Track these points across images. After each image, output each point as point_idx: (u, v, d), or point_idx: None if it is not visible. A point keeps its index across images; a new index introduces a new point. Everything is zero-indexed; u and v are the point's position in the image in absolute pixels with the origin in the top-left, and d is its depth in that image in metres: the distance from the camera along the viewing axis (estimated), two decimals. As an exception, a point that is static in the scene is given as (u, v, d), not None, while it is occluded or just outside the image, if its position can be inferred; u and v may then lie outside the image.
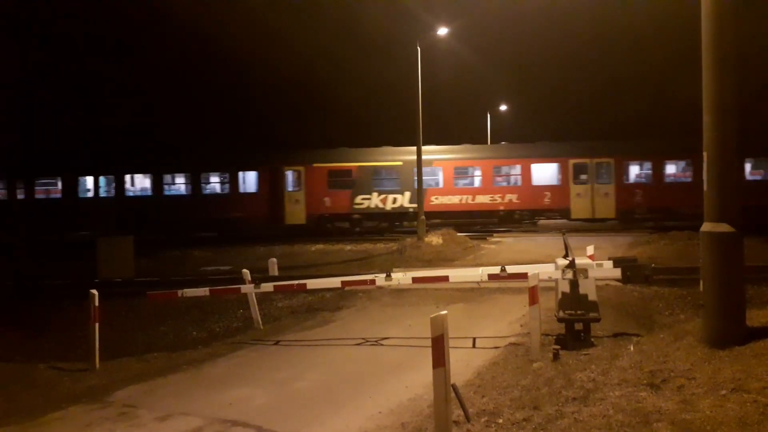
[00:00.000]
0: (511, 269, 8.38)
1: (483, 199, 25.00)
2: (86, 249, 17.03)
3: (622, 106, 53.24)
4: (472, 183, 25.78)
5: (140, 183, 27.24)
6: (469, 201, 25.11)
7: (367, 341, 8.39)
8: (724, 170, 5.61)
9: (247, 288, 9.08)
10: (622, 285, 10.70)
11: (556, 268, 7.26)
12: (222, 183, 26.37)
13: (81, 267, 16.23)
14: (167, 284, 11.84)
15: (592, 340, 7.05)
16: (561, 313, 7.07)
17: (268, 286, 9.05)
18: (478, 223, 25.42)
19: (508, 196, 24.99)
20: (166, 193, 26.41)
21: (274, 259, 13.76)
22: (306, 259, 18.36)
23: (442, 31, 22.53)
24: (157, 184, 26.38)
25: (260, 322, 9.73)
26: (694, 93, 6.03)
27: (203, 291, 9.18)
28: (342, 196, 25.39)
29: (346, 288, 11.30)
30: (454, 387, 5.03)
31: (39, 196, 27.05)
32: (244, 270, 9.50)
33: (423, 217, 21.13)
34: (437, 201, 25.11)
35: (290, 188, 25.66)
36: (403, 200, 25.09)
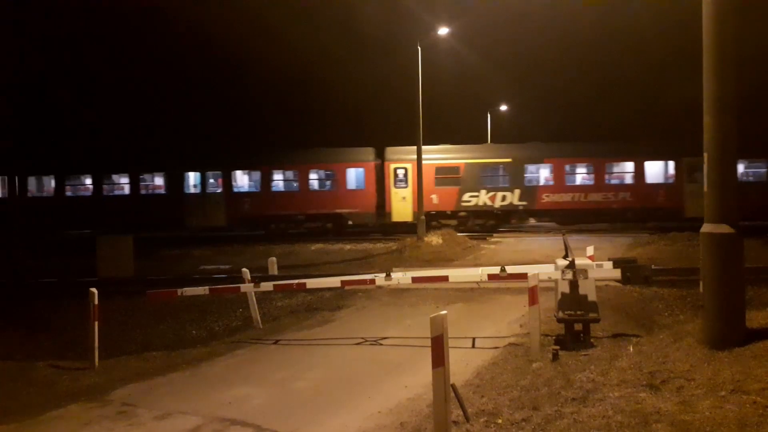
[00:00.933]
0: (510, 269, 8.37)
1: (595, 197, 24.61)
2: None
3: (622, 107, 53.30)
4: (583, 181, 25.24)
5: (243, 179, 26.84)
6: (581, 199, 24.74)
7: (367, 341, 8.39)
8: (724, 171, 5.61)
9: (247, 287, 9.07)
10: (622, 286, 10.70)
11: (556, 268, 7.25)
12: (329, 179, 26.06)
13: (81, 265, 16.22)
14: (167, 283, 11.84)
15: (592, 340, 7.05)
16: (560, 314, 7.07)
17: (267, 286, 9.05)
18: (590, 222, 24.75)
19: (621, 194, 24.70)
20: (274, 189, 26.01)
21: (274, 258, 13.77)
22: (305, 259, 18.36)
23: (443, 30, 22.56)
24: (265, 180, 26.02)
25: (260, 321, 9.73)
26: (694, 94, 6.03)
27: (203, 290, 9.16)
28: (449, 193, 25.08)
29: (346, 287, 11.30)
30: (453, 387, 5.03)
31: (70, 194, 26.82)
32: (244, 269, 9.50)
33: (423, 216, 21.15)
34: (548, 199, 24.74)
35: (397, 185, 25.42)
36: (513, 198, 24.77)
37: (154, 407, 6.10)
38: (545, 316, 8.18)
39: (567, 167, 25.21)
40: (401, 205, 25.09)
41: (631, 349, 6.25)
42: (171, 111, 51.78)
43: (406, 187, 25.15)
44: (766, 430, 3.84)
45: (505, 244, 20.82)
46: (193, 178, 26.27)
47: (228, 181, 26.10)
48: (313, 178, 25.99)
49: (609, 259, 8.10)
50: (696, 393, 4.55)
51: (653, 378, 5.03)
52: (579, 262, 7.18)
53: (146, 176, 26.66)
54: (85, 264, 16.08)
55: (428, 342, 4.53)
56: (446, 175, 25.13)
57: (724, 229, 5.50)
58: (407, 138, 23.55)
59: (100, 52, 56.28)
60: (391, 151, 25.79)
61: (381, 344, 8.23)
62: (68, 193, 26.66)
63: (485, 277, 8.45)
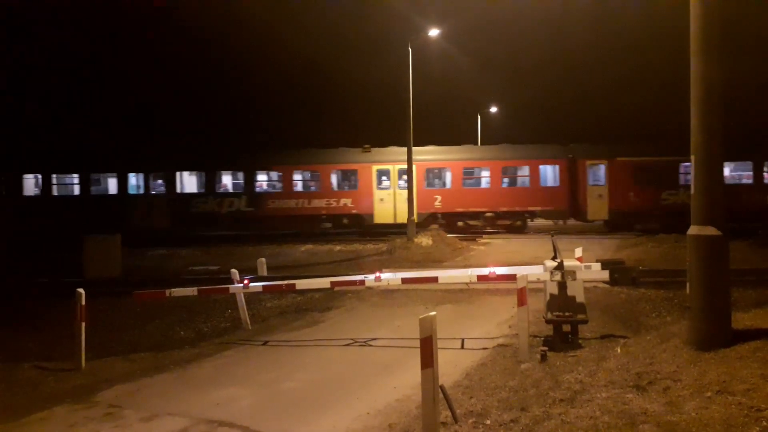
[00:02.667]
0: (499, 271, 8.41)
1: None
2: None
3: (613, 108, 53.71)
4: None
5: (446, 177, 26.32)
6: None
7: (356, 342, 8.38)
8: (710, 174, 5.66)
9: (236, 288, 9.03)
10: (610, 287, 10.81)
11: (545, 269, 7.29)
12: (522, 176, 25.64)
13: (68, 265, 16.08)
14: (155, 283, 11.75)
15: (580, 341, 7.08)
16: (549, 315, 7.10)
17: (256, 286, 9.01)
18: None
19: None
20: (465, 186, 25.58)
21: (263, 259, 13.71)
22: (295, 260, 18.31)
23: (434, 32, 22.59)
24: (456, 177, 25.58)
25: (248, 322, 9.69)
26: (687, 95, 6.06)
27: (191, 291, 9.11)
28: (648, 191, 24.23)
29: (336, 288, 11.29)
30: (442, 388, 5.04)
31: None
32: (233, 270, 9.46)
33: (413, 217, 21.17)
34: None
35: (592, 183, 24.95)
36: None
37: (141, 408, 6.06)
38: (534, 317, 8.22)
39: None
40: (597, 202, 24.63)
41: (619, 350, 6.28)
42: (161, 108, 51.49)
43: (602, 185, 24.62)
44: (752, 430, 3.87)
45: (495, 245, 20.87)
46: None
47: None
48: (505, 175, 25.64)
49: (597, 261, 8.15)
50: (682, 394, 4.58)
51: (640, 379, 5.06)
52: (567, 263, 7.21)
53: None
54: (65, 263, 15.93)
55: (417, 343, 4.53)
56: (646, 172, 24.14)
57: (711, 231, 5.55)
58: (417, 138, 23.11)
59: (60, 46, 55.55)
60: (589, 148, 25.39)
61: (370, 345, 8.22)
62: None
63: (474, 278, 8.50)
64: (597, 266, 7.70)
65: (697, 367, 5.04)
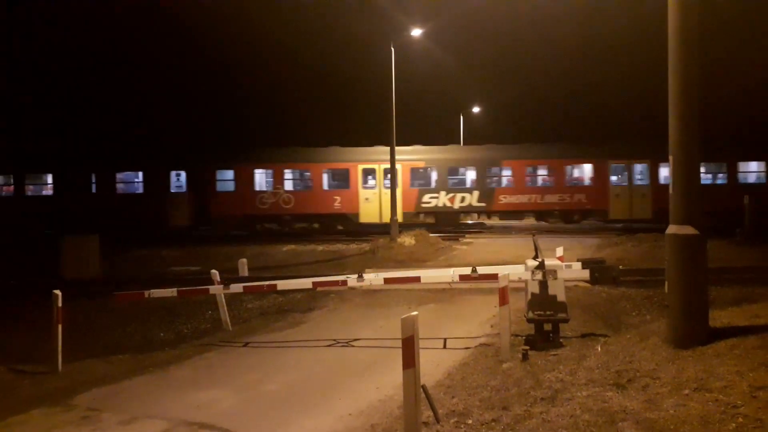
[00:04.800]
0: (481, 270, 8.43)
1: None
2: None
3: (595, 109, 54.30)
4: None
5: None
6: None
7: (338, 342, 8.35)
8: (688, 174, 5.73)
9: (216, 289, 8.95)
10: (591, 286, 10.88)
11: (526, 269, 7.32)
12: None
13: (51, 265, 15.79)
14: (134, 284, 11.60)
15: (561, 340, 7.13)
16: (530, 314, 7.14)
17: (237, 287, 8.93)
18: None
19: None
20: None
21: (244, 260, 13.61)
22: (277, 260, 18.19)
23: (416, 32, 22.61)
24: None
25: (229, 323, 9.60)
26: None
27: (171, 292, 8.99)
28: None
29: (318, 289, 11.23)
30: (423, 388, 5.04)
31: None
32: (213, 270, 9.36)
33: (395, 217, 21.17)
34: None
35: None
36: None
37: (119, 411, 5.97)
38: (516, 317, 8.25)
39: None
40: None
41: (599, 349, 6.34)
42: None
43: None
44: (728, 427, 3.93)
45: (477, 244, 20.95)
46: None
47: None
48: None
49: (578, 260, 8.21)
50: (661, 391, 4.63)
51: (620, 377, 5.11)
52: (548, 262, 7.25)
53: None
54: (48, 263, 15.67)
55: (400, 343, 4.53)
56: None
57: (689, 230, 5.62)
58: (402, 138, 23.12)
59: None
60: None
61: (353, 346, 8.20)
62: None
63: (457, 278, 8.49)
64: (577, 265, 7.75)
65: (675, 365, 5.10)
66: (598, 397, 4.75)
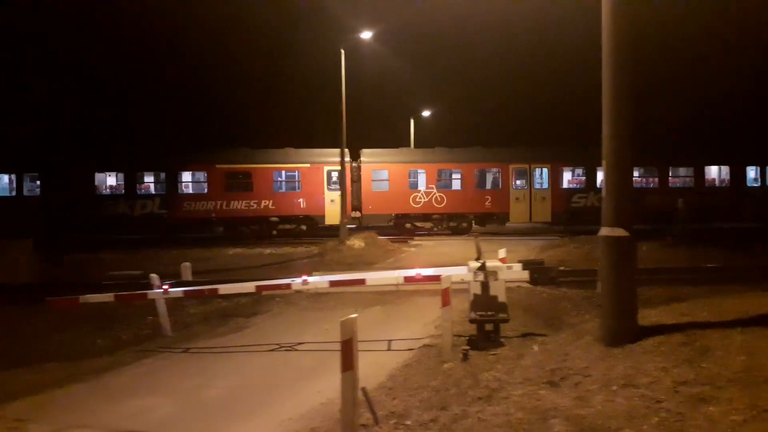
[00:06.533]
0: (426, 272, 8.54)
1: None
2: None
3: (542, 112, 55.74)
4: None
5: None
6: None
7: (282, 347, 8.27)
8: (620, 178, 5.94)
9: (155, 293, 8.72)
10: (534, 287, 11.16)
11: (469, 270, 7.45)
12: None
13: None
14: (71, 290, 11.16)
15: (502, 340, 7.28)
16: (473, 315, 7.26)
17: (177, 292, 8.73)
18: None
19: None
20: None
21: (188, 264, 13.31)
22: (223, 264, 17.88)
23: (366, 34, 22.69)
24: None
25: (170, 329, 9.35)
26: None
27: (108, 297, 8.71)
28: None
29: (264, 293, 11.08)
30: (363, 390, 5.05)
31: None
32: (152, 274, 9.12)
33: (345, 220, 21.15)
34: None
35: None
36: None
37: (49, 422, 5.73)
38: (460, 317, 8.38)
39: None
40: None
41: (536, 348, 6.50)
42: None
43: None
44: (651, 421, 4.09)
45: (425, 247, 21.16)
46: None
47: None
48: None
49: (519, 261, 8.41)
50: (591, 388, 4.78)
51: (554, 375, 5.25)
52: (490, 264, 7.40)
53: None
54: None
55: (341, 346, 4.52)
56: None
57: (619, 232, 5.83)
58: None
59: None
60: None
61: (296, 350, 8.13)
62: None
63: (401, 280, 8.57)
64: (518, 267, 7.94)
65: (605, 363, 5.28)
66: (532, 396, 4.87)
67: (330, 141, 25.50)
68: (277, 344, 8.36)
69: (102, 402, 6.33)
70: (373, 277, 9.11)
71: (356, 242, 19.79)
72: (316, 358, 7.63)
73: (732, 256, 15.40)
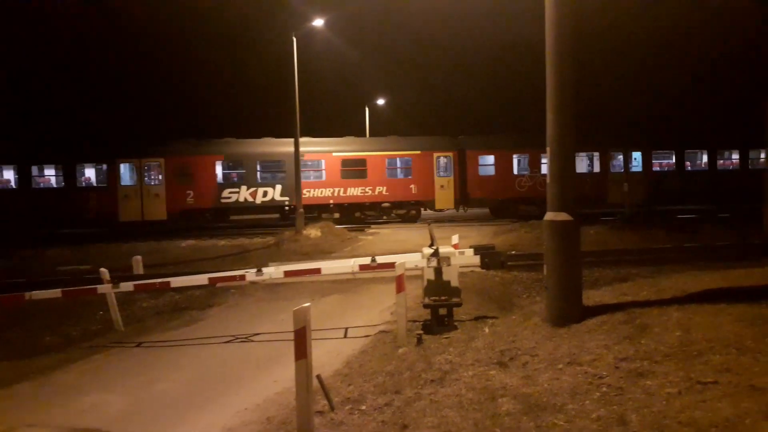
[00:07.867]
0: (381, 259, 8.63)
1: None
2: None
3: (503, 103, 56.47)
4: None
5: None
6: None
7: (237, 338, 8.24)
8: (563, 164, 6.15)
9: (105, 288, 8.54)
10: (486, 271, 11.41)
11: (422, 257, 7.58)
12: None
13: None
14: (13, 286, 10.80)
15: (455, 323, 7.45)
16: (427, 300, 7.41)
17: (127, 286, 8.56)
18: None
19: None
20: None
21: (139, 257, 13.04)
22: (176, 256, 17.56)
23: (318, 22, 22.47)
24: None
25: (121, 323, 9.18)
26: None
27: (55, 293, 8.47)
28: None
29: (218, 285, 10.98)
30: (318, 377, 5.12)
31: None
32: (102, 269, 8.92)
33: (301, 209, 21.05)
34: None
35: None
36: None
37: (-5, 423, 5.58)
38: (415, 303, 8.52)
39: None
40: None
41: (487, 330, 6.69)
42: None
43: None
44: (593, 396, 4.30)
45: (382, 235, 21.29)
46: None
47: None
48: None
49: (471, 247, 8.61)
50: (538, 367, 4.98)
51: (503, 356, 5.43)
52: (443, 250, 7.55)
53: None
54: None
55: (296, 335, 4.55)
56: None
57: (563, 216, 6.05)
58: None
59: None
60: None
61: (252, 341, 8.12)
62: None
63: (357, 268, 8.63)
64: (470, 252, 8.14)
65: (552, 342, 5.50)
66: (482, 376, 5.03)
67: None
68: (232, 336, 8.33)
69: (51, 400, 6.20)
70: (329, 266, 9.15)
71: (313, 231, 19.74)
72: (271, 349, 7.64)
73: (678, 237, 16.04)
